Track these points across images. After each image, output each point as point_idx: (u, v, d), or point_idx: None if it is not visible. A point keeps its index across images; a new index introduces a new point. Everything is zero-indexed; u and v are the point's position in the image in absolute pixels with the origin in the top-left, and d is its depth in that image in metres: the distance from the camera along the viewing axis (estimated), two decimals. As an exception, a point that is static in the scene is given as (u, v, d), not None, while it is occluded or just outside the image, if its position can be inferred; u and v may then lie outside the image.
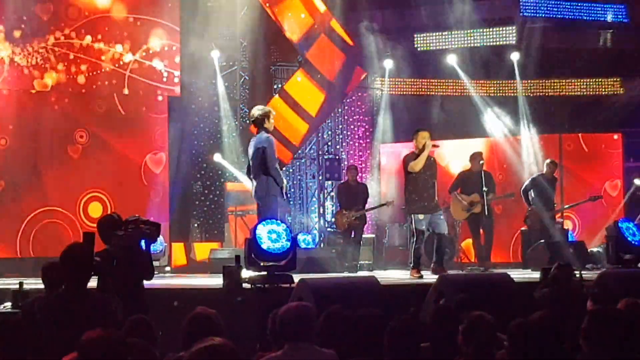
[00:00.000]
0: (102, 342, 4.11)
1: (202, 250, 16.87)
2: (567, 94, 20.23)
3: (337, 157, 19.09)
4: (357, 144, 20.25)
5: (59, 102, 15.44)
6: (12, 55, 15.03)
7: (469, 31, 19.41)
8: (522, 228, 16.06)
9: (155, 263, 9.96)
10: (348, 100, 19.82)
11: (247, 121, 17.83)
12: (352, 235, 15.17)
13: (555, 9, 19.51)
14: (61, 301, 5.70)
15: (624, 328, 4.98)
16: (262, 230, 9.38)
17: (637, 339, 5.06)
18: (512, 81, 19.32)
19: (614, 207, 17.77)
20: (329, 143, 19.71)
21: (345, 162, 19.01)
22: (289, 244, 9.40)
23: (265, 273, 9.35)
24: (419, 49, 19.96)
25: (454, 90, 20.11)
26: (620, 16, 19.79)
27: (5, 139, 15.11)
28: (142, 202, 15.49)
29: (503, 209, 17.30)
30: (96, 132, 15.58)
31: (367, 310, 6.04)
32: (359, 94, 20.12)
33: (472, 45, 19.42)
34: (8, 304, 8.82)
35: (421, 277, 12.12)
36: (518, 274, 11.88)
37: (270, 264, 9.37)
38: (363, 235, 15.54)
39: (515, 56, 18.90)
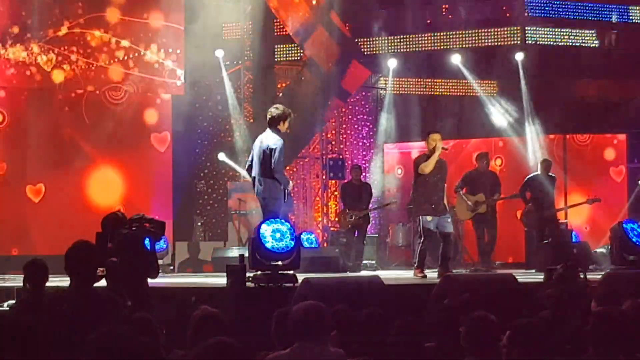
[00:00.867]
0: (110, 340, 4.11)
1: (206, 249, 16.87)
2: (571, 94, 20.17)
3: (340, 157, 19.07)
4: (361, 144, 20.22)
5: (65, 99, 15.61)
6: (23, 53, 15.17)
7: (473, 31, 19.37)
8: (526, 229, 16.04)
9: (159, 261, 9.96)
10: (352, 100, 19.80)
11: (251, 120, 17.86)
12: (356, 235, 15.18)
13: (560, 9, 19.48)
14: (68, 299, 5.70)
15: (629, 329, 4.98)
16: (266, 230, 9.39)
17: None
18: (516, 81, 19.26)
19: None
20: (333, 142, 19.68)
21: (349, 162, 18.99)
22: (292, 243, 9.41)
23: (269, 272, 9.36)
24: (422, 49, 19.92)
25: (458, 90, 20.08)
26: (625, 16, 19.76)
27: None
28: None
29: (506, 209, 17.26)
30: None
31: (371, 309, 6.04)
32: (363, 93, 20.09)
33: (476, 45, 19.38)
34: (11, 302, 8.83)
35: (425, 277, 12.12)
36: (522, 274, 11.88)
37: (274, 263, 9.37)
38: (367, 235, 15.53)
39: (519, 56, 18.86)
